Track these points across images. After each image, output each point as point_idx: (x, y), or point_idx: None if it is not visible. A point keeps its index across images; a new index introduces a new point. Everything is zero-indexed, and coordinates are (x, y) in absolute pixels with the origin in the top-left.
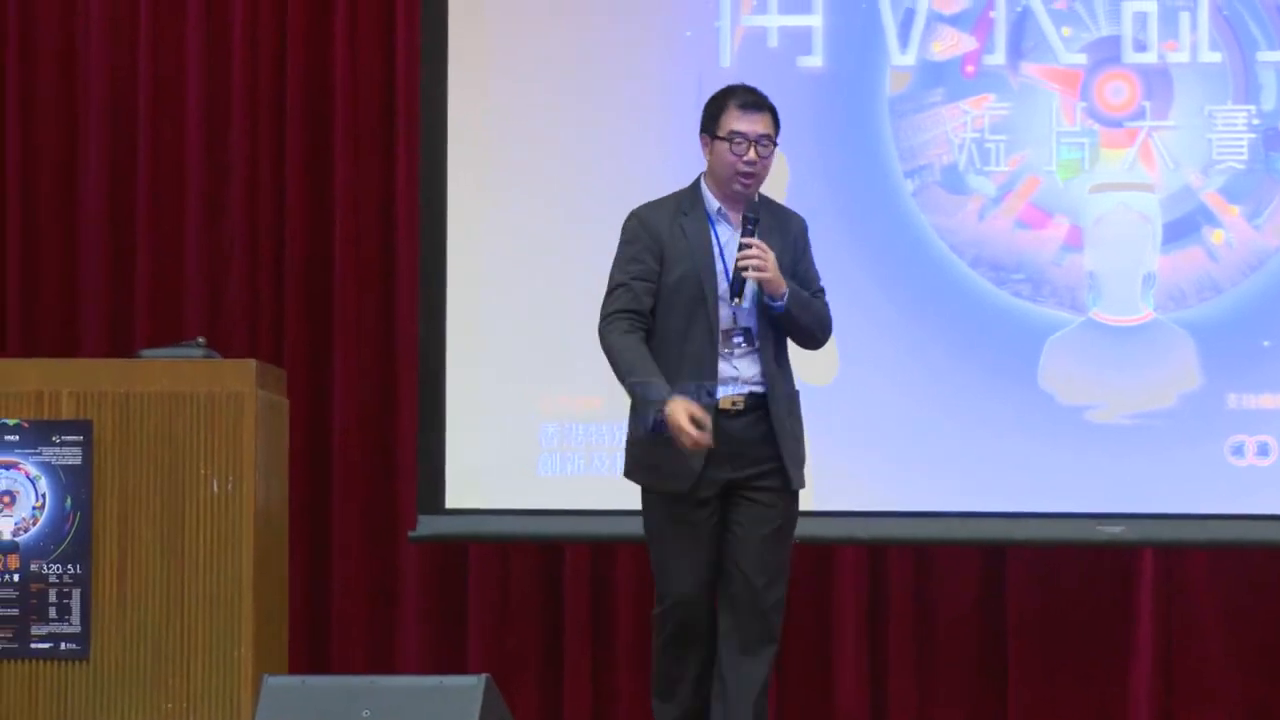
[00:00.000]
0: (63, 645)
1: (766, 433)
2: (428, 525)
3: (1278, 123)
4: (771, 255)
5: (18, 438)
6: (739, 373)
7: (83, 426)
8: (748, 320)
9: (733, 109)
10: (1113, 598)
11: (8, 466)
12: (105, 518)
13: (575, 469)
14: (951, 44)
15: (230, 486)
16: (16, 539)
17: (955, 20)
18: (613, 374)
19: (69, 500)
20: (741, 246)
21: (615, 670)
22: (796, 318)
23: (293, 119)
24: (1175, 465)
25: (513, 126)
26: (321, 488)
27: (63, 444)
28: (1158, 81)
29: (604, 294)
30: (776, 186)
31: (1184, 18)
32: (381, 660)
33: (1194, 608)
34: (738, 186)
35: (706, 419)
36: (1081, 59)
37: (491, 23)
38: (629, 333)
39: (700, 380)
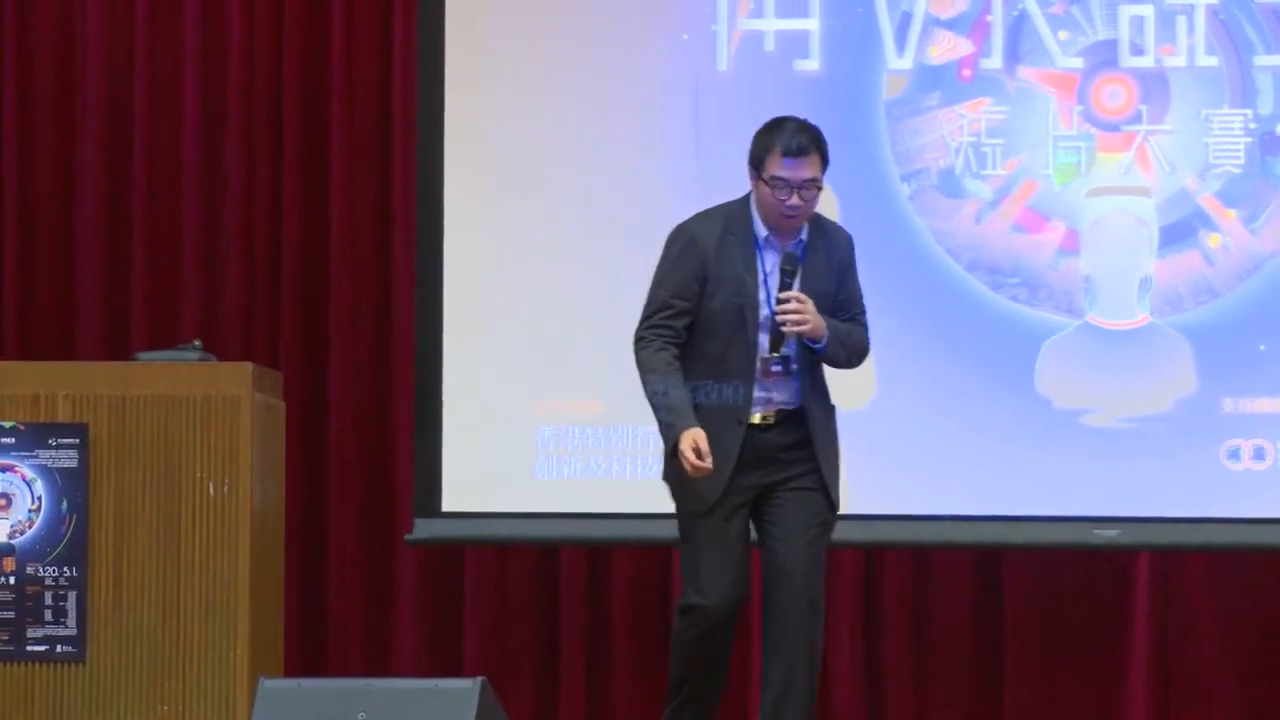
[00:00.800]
0: (59, 648)
1: (801, 439)
2: (424, 528)
3: (1274, 127)
4: (810, 304)
5: (14, 440)
6: (772, 394)
7: (79, 429)
8: (787, 349)
9: (777, 154)
10: (1109, 601)
11: (4, 469)
12: (101, 520)
13: (572, 472)
14: (948, 48)
15: (226, 489)
16: (12, 542)
17: (952, 24)
18: (609, 378)
19: (65, 503)
20: (780, 300)
21: (611, 674)
22: (835, 354)
23: (289, 120)
24: (1171, 469)
25: (510, 129)
26: (318, 490)
27: (59, 447)
28: (1154, 85)
29: (644, 301)
30: (825, 207)
31: (1181, 22)
32: (377, 663)
33: (1190, 611)
34: (783, 225)
35: (705, 448)
36: (1078, 63)
37: (488, 24)
38: (662, 350)
39: (734, 403)
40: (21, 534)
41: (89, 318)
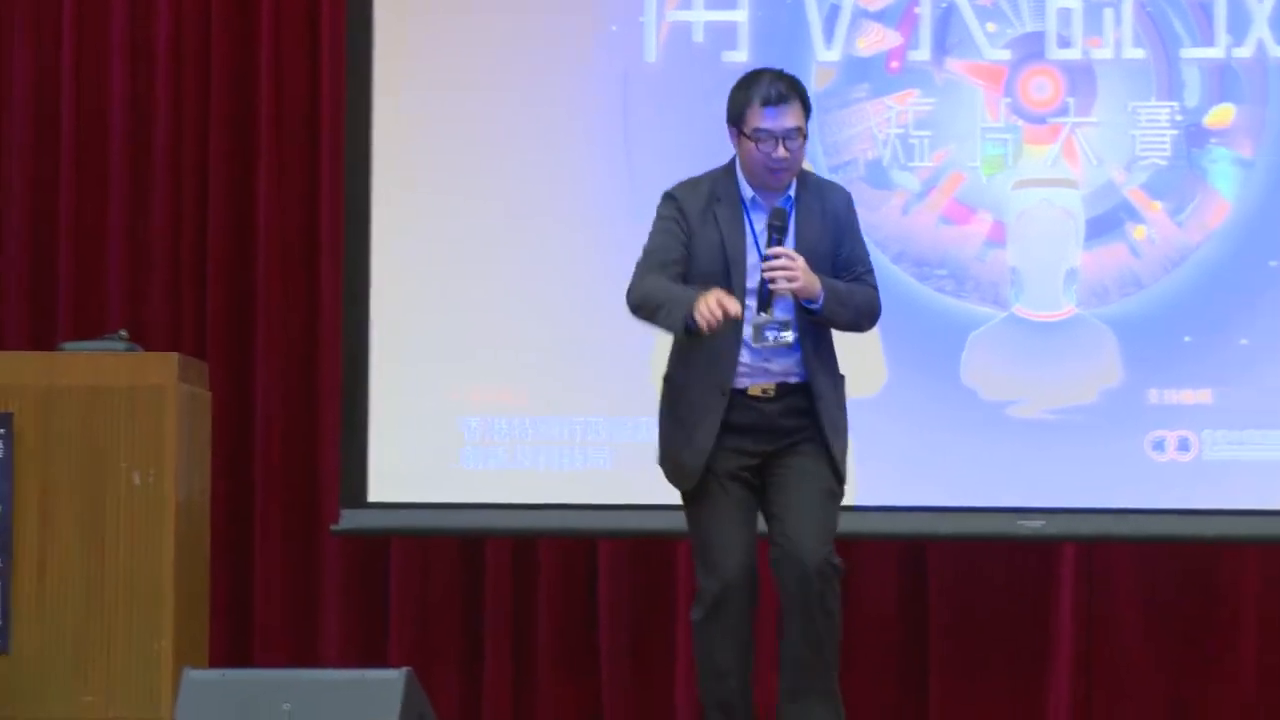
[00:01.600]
0: None
1: (806, 408)
2: (350, 519)
3: (1201, 119)
4: (800, 261)
5: None
6: (770, 364)
7: (3, 419)
8: (785, 313)
9: (756, 105)
10: (1034, 592)
11: None
12: (25, 510)
13: (498, 463)
14: (876, 40)
15: (152, 479)
16: None
17: (880, 16)
18: (536, 369)
19: None
20: (767, 257)
21: (536, 663)
22: (835, 315)
23: (216, 112)
24: (1096, 460)
25: (437, 121)
26: (243, 481)
27: None
28: (1081, 78)
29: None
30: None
31: (1108, 14)
32: (303, 654)
33: (1114, 602)
34: (770, 180)
35: (733, 305)
36: (1006, 55)
37: (416, 15)
38: (650, 274)
39: (719, 372)
40: None
41: (14, 308)
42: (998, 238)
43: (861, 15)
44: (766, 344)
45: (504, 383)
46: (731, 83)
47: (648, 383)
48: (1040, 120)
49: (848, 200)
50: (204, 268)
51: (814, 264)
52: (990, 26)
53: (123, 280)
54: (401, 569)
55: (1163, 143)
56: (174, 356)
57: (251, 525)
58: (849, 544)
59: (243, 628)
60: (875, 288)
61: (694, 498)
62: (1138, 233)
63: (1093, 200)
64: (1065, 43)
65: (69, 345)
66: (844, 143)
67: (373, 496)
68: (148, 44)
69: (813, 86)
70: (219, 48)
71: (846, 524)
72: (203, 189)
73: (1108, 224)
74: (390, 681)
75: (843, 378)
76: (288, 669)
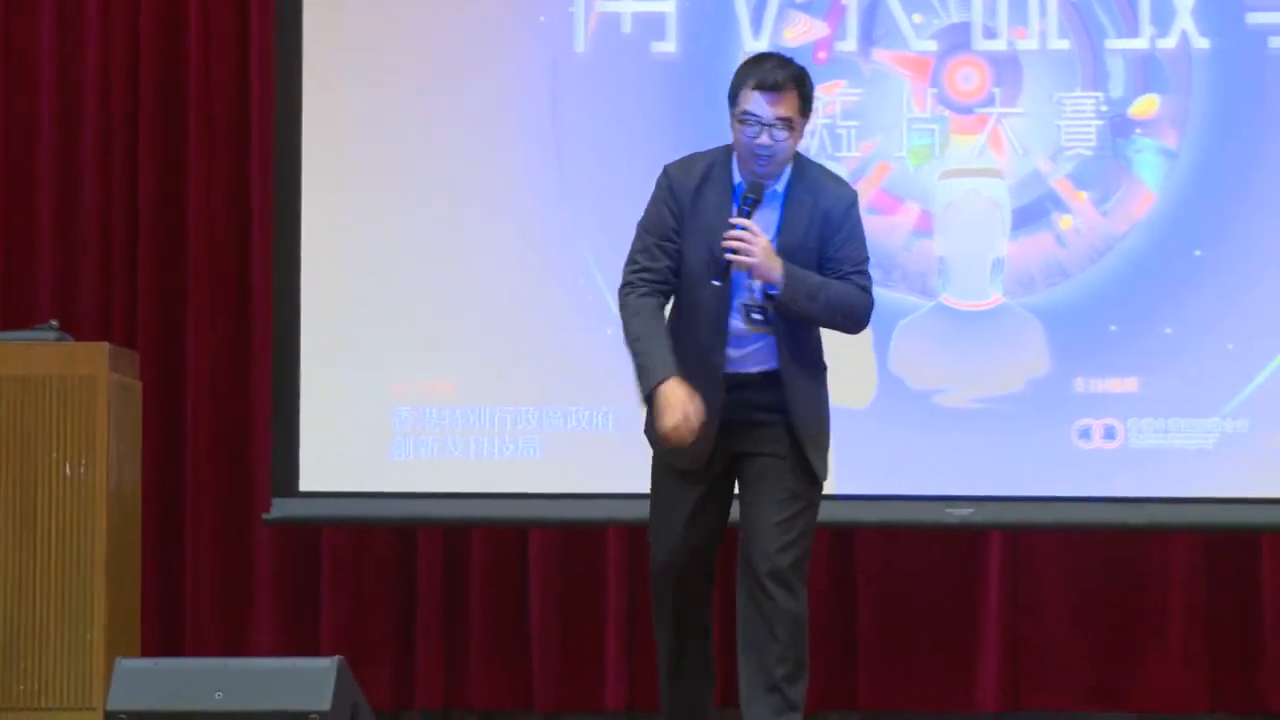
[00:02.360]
0: None
1: (776, 403)
2: (281, 508)
3: (1126, 110)
4: (763, 239)
5: None
6: (749, 350)
7: None
8: (752, 295)
9: (750, 87)
10: (961, 580)
11: None
12: None
13: (429, 452)
14: (804, 30)
15: (83, 469)
16: None
17: (807, 6)
18: (465, 359)
19: None
20: (733, 226)
21: (467, 652)
22: (802, 306)
23: (146, 102)
24: (1023, 449)
25: (367, 114)
26: (175, 470)
27: None
28: (1007, 68)
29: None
30: None
31: (1033, 5)
32: (235, 643)
33: (1041, 589)
34: (755, 167)
35: (695, 414)
36: (932, 45)
37: (346, 8)
38: (644, 296)
39: (710, 357)
40: None
41: None
42: (925, 227)
43: (789, 6)
44: (754, 327)
45: (434, 372)
46: (661, 74)
47: (577, 372)
48: (967, 110)
49: (848, 201)
50: (134, 258)
51: (795, 258)
52: (916, 18)
53: (53, 270)
54: (333, 558)
55: (1088, 133)
56: (105, 346)
57: (183, 515)
58: None
59: (175, 617)
60: (866, 289)
61: (664, 470)
62: (1064, 222)
63: (1019, 190)
64: (991, 34)
65: None
66: None
67: (304, 486)
68: (76, 35)
69: None
70: (147, 39)
71: None
72: (133, 179)
73: (1034, 214)
74: (322, 670)
75: (824, 369)
76: (220, 658)
